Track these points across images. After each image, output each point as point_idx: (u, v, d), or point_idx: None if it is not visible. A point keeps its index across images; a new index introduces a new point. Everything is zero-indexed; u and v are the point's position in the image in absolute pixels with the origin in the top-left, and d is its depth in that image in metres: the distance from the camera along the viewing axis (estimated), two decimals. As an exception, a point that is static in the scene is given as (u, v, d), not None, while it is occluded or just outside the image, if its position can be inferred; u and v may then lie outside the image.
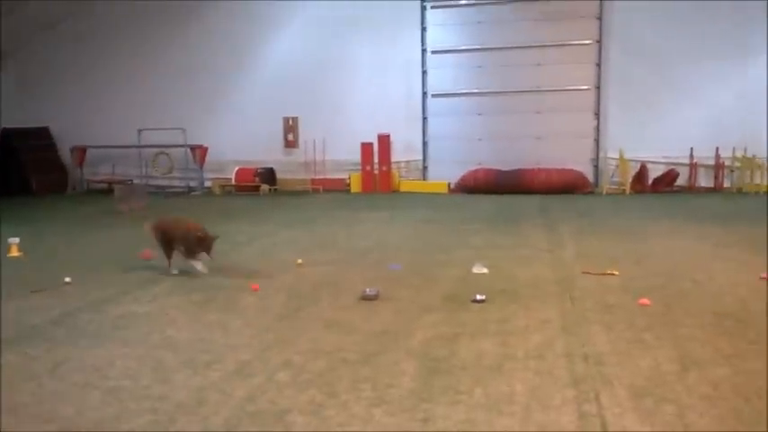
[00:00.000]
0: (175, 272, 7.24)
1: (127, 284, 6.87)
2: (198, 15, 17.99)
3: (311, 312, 5.73)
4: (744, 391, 3.86)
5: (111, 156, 18.42)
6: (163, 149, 18.00)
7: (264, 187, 17.23)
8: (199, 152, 17.84)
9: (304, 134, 18.15)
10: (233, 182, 17.65)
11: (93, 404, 3.84)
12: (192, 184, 18.27)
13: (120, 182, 17.33)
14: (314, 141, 17.62)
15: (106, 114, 18.05)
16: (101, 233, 10.72)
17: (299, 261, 7.78)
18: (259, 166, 17.60)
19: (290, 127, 18.38)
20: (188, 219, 7.66)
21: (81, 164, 18.44)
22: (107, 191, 16.38)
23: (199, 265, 7.16)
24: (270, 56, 18.15)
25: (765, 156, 15.60)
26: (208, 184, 18.09)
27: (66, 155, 18.79)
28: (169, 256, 7.31)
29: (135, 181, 17.90)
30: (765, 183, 15.64)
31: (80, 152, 18.25)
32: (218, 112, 18.17)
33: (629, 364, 4.33)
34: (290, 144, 18.44)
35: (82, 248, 9.43)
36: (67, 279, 6.97)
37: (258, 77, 18.16)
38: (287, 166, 18.08)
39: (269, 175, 17.54)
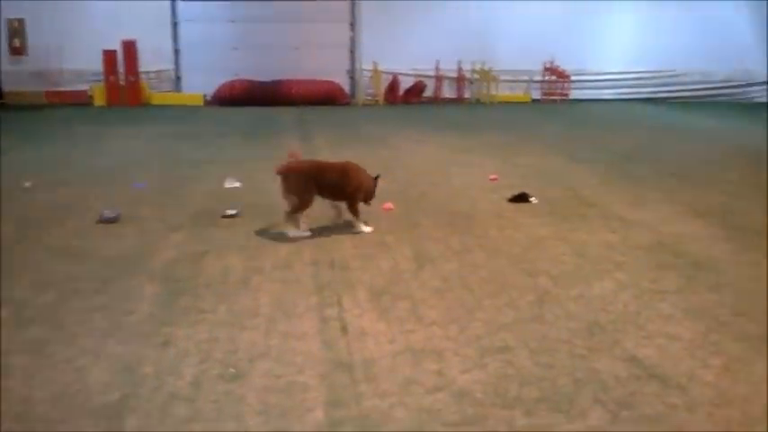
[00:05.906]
0: (308, 233, 5.30)
1: None
2: None
3: (39, 241, 5.12)
4: (468, 282, 4.27)
5: None
6: None
7: (-14, 101, 14.96)
8: None
9: (34, 39, 15.91)
10: (-57, 95, 15.03)
11: None
12: None
13: None
14: (47, 48, 15.52)
15: None
16: None
17: (27, 184, 6.94)
18: (-23, 76, 15.18)
19: (16, 30, 15.98)
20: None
21: None
22: None
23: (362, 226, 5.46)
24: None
25: (500, 69, 17.19)
26: None
27: None
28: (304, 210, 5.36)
29: None
30: (499, 94, 17.32)
31: None
32: None
33: (370, 267, 4.54)
34: (16, 51, 16.12)
35: None
36: None
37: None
38: (14, 77, 15.87)
39: (-9, 88, 15.22)
